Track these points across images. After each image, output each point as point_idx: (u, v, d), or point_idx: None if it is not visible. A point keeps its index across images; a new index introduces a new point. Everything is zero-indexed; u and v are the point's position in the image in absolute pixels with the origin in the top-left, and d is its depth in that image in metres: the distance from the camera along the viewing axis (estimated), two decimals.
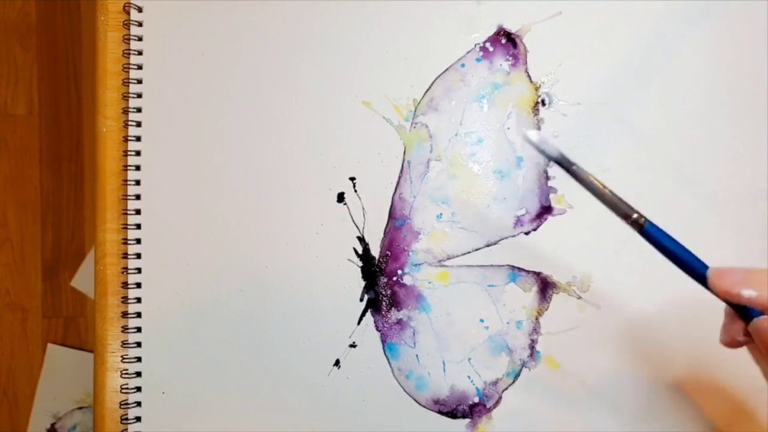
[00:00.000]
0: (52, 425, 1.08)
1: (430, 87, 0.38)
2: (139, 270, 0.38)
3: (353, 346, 0.38)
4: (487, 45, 0.38)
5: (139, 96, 0.38)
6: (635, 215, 0.26)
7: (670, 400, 0.38)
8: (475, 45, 0.38)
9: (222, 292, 0.38)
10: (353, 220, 0.38)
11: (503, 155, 0.38)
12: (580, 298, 0.38)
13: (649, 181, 0.37)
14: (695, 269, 0.26)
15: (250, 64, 0.38)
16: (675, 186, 0.37)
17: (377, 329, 0.38)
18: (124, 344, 0.38)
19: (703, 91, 0.37)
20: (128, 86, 0.38)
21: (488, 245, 0.38)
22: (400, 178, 0.38)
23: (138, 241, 0.38)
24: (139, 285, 0.38)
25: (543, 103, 0.38)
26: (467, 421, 0.38)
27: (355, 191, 0.38)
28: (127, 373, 0.38)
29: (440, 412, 0.38)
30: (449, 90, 0.38)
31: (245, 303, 0.38)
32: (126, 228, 0.38)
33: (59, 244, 1.12)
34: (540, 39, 0.38)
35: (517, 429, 0.38)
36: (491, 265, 0.38)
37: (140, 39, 0.38)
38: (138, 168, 0.38)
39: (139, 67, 0.38)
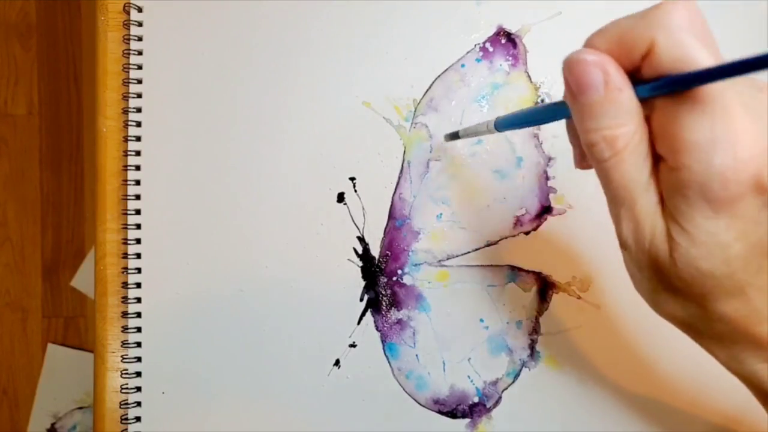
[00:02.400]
0: (52, 425, 1.08)
1: (430, 87, 0.38)
2: (139, 270, 0.38)
3: (353, 346, 0.38)
4: (487, 45, 0.38)
5: (139, 96, 0.38)
6: (489, 126, 0.29)
7: (670, 401, 0.38)
8: (475, 45, 0.38)
9: (222, 292, 0.38)
10: (353, 220, 0.38)
11: (503, 155, 0.38)
12: (580, 298, 0.38)
13: None
14: (558, 110, 0.24)
15: (250, 64, 0.38)
16: None
17: (377, 329, 0.38)
18: (124, 344, 0.38)
19: None
20: (128, 86, 0.38)
21: (488, 245, 0.38)
22: (400, 178, 0.38)
23: (138, 241, 0.38)
24: (139, 285, 0.38)
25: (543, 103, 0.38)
26: (467, 421, 0.38)
27: (355, 191, 0.38)
28: (127, 373, 0.38)
29: (440, 412, 0.38)
30: (449, 90, 0.38)
31: (245, 303, 0.38)
32: (126, 228, 0.38)
33: (59, 244, 1.12)
34: (540, 39, 0.38)
35: (517, 429, 0.38)
36: (491, 265, 0.38)
37: (140, 39, 0.38)
38: (138, 168, 0.38)
39: (139, 67, 0.38)
